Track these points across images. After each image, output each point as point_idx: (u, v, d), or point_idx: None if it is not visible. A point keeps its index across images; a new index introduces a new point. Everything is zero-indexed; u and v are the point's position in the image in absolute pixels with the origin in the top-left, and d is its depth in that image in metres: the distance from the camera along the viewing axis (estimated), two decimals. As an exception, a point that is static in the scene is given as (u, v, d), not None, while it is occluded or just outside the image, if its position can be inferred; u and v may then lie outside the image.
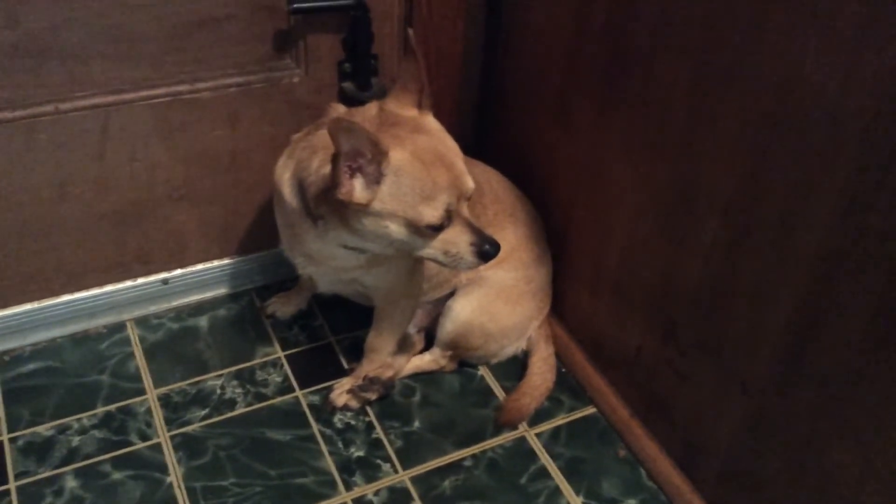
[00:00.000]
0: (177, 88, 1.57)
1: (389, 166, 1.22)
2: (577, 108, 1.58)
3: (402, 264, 1.51)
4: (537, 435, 1.68)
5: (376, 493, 1.55)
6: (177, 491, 1.52)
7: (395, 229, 1.27)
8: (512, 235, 1.68)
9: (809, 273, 1.16)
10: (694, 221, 1.36)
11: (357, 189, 1.23)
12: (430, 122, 1.34)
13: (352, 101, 1.64)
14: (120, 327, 1.82)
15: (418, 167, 1.24)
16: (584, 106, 1.56)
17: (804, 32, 1.07)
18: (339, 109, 1.40)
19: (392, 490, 1.55)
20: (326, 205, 1.30)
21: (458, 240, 1.31)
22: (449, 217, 1.28)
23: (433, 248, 1.31)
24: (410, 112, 1.33)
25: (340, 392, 1.68)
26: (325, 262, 1.46)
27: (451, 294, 1.69)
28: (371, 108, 1.35)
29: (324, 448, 1.61)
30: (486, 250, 1.32)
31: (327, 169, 1.26)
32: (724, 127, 1.24)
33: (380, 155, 1.20)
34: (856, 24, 1.00)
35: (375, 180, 1.23)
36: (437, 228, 1.28)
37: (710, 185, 1.30)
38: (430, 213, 1.25)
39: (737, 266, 1.30)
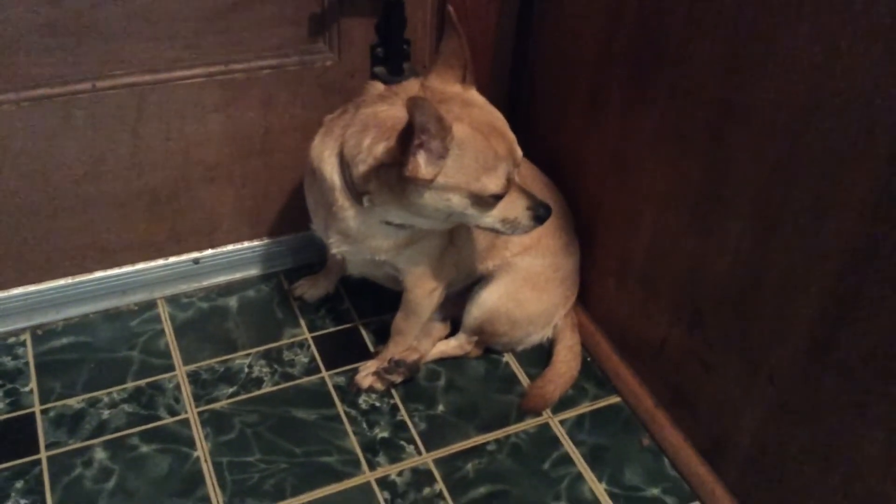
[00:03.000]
0: (211, 69, 1.59)
1: (453, 141, 1.24)
2: (608, 98, 1.58)
3: (433, 245, 1.52)
4: (561, 422, 1.68)
5: (399, 474, 1.56)
6: (203, 465, 1.54)
7: (458, 201, 1.31)
8: (540, 223, 1.68)
9: (838, 265, 1.15)
10: (723, 213, 1.35)
11: (422, 165, 1.25)
12: (476, 96, 1.37)
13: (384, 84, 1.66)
14: (151, 305, 1.85)
15: (480, 139, 1.27)
16: (615, 95, 1.56)
17: (839, 19, 1.06)
18: (378, 87, 1.41)
19: (415, 471, 1.57)
20: (377, 181, 1.32)
21: (515, 205, 1.36)
22: (508, 185, 1.32)
23: (492, 217, 1.35)
24: (454, 88, 1.35)
25: (366, 374, 1.70)
26: (362, 240, 1.47)
27: (478, 281, 1.70)
28: (412, 85, 1.37)
29: (348, 428, 1.63)
30: (542, 213, 1.38)
31: (381, 146, 1.29)
32: (755, 117, 1.23)
33: (444, 131, 1.22)
34: (893, 10, 0.99)
35: (440, 155, 1.25)
36: (498, 197, 1.32)
37: (740, 176, 1.29)
38: (494, 183, 1.30)
39: (765, 258, 1.29)
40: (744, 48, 1.22)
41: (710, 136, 1.34)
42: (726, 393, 1.46)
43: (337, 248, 1.52)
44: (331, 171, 1.39)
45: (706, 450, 1.55)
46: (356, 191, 1.37)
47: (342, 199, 1.40)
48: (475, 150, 1.27)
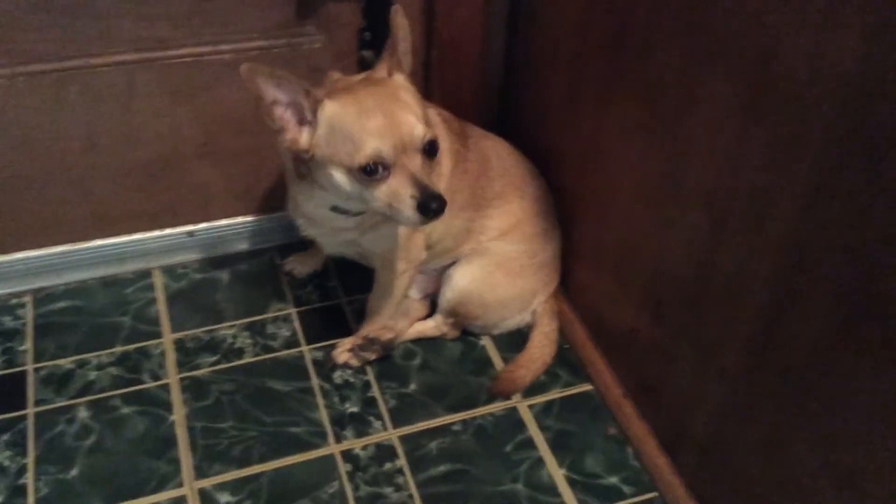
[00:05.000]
0: (200, 50, 1.65)
1: (323, 113, 1.31)
2: (584, 87, 1.59)
3: (396, 230, 1.55)
4: (530, 406, 1.70)
5: (364, 448, 1.61)
6: (178, 429, 1.61)
7: (339, 177, 1.34)
8: (518, 208, 1.70)
9: (777, 263, 1.15)
10: (681, 205, 1.35)
11: (303, 138, 1.33)
12: (395, 80, 1.39)
13: (370, 69, 1.69)
14: (146, 274, 1.93)
15: (350, 113, 1.31)
16: (591, 86, 1.56)
17: (777, 11, 1.05)
18: (335, 76, 1.45)
19: (379, 446, 1.61)
20: (304, 164, 1.38)
21: (399, 191, 1.31)
22: (385, 166, 1.30)
23: (379, 201, 1.33)
24: (381, 73, 1.39)
25: (342, 350, 1.74)
26: (321, 223, 1.52)
27: (454, 263, 1.73)
28: (364, 74, 1.40)
29: (320, 401, 1.68)
30: (428, 205, 1.30)
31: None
32: (707, 112, 1.24)
33: (314, 103, 1.31)
34: (824, 4, 0.98)
35: (315, 128, 1.32)
36: (369, 173, 1.30)
37: (696, 170, 1.30)
38: (360, 157, 1.29)
39: (716, 252, 1.29)
40: (694, 44, 1.22)
41: (669, 130, 1.34)
42: (684, 386, 1.47)
43: (304, 231, 1.57)
44: (285, 154, 1.44)
45: (667, 442, 1.55)
46: (299, 173, 1.43)
47: (294, 182, 1.46)
48: (342, 122, 1.31)
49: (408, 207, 1.31)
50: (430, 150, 1.34)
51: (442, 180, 1.59)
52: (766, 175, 1.14)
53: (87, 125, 1.66)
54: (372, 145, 1.29)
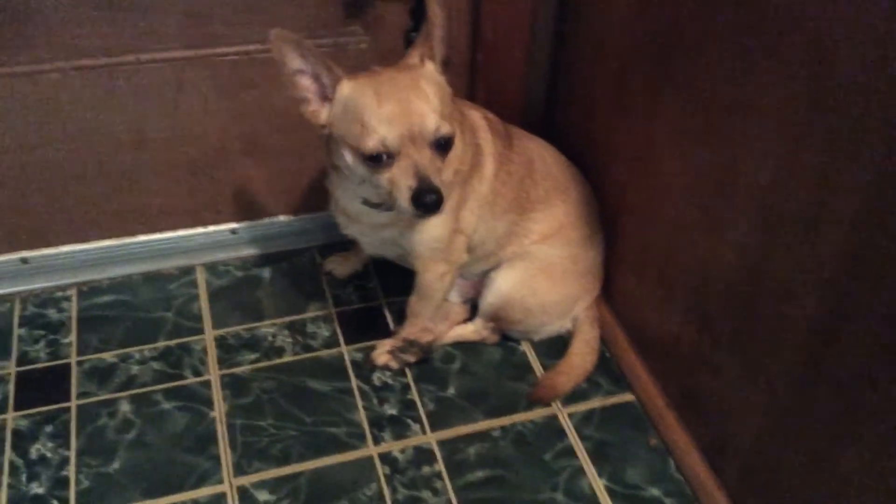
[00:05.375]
0: (248, 47, 1.66)
1: (340, 92, 1.33)
2: (634, 90, 1.56)
3: (436, 228, 1.53)
4: (570, 415, 1.68)
5: (402, 451, 1.59)
6: (218, 425, 1.62)
7: (349, 159, 1.35)
8: (561, 213, 1.68)
9: (832, 272, 1.12)
10: (731, 211, 1.32)
11: (323, 113, 1.35)
12: (422, 69, 1.37)
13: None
14: (190, 270, 1.94)
15: (366, 95, 1.30)
16: (640, 87, 1.54)
17: (838, 10, 1.02)
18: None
19: (418, 449, 1.60)
20: (327, 149, 1.41)
21: (399, 180, 1.30)
22: (389, 154, 1.29)
23: (382, 188, 1.33)
24: (412, 59, 1.38)
25: (382, 351, 1.74)
26: (358, 218, 1.52)
27: (496, 267, 1.71)
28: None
29: (359, 402, 1.68)
30: (424, 199, 1.28)
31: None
32: (762, 114, 1.20)
33: (335, 80, 1.32)
34: (887, 9, 0.95)
35: (332, 105, 1.33)
36: (374, 160, 1.30)
37: (747, 174, 1.26)
38: (366, 142, 1.28)
39: (768, 260, 1.26)
40: (750, 45, 1.19)
41: (721, 133, 1.31)
42: (730, 397, 1.43)
43: (345, 228, 1.57)
44: (324, 147, 1.44)
45: (710, 454, 1.52)
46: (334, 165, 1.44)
47: (331, 175, 1.48)
48: (356, 103, 1.30)
49: (404, 198, 1.29)
50: (442, 145, 1.32)
51: (484, 182, 1.58)
52: (824, 180, 1.10)
53: (135, 121, 1.68)
54: (379, 132, 1.28)
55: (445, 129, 1.31)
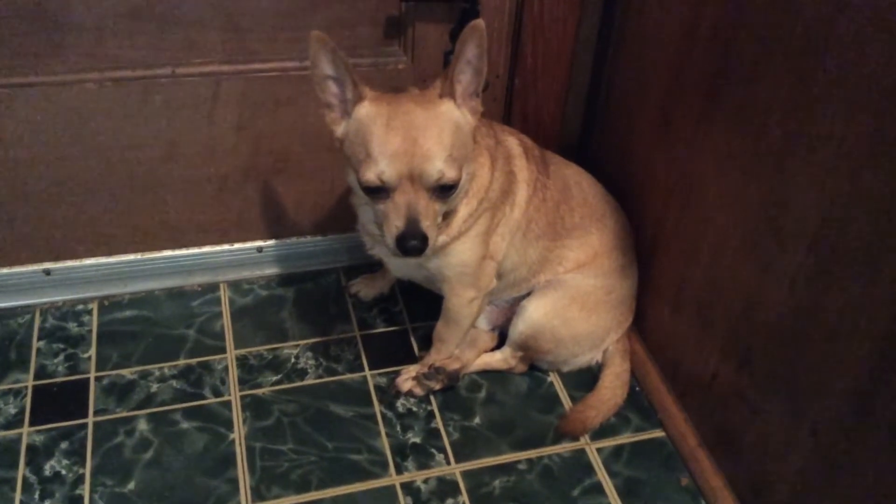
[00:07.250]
0: (286, 64, 1.64)
1: (357, 112, 1.31)
2: (677, 120, 1.53)
3: (465, 252, 1.50)
4: (598, 450, 1.63)
5: (425, 481, 1.55)
6: (237, 448, 1.57)
7: (353, 180, 1.35)
8: (597, 241, 1.65)
9: (890, 312, 1.07)
10: (781, 247, 1.28)
11: (341, 126, 1.34)
12: (441, 105, 1.33)
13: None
14: (213, 288, 1.91)
15: (377, 124, 1.28)
16: (684, 118, 1.51)
17: (908, 50, 0.99)
18: (414, 90, 1.42)
19: (441, 480, 1.55)
20: (345, 170, 1.41)
21: (390, 216, 1.29)
22: (385, 190, 1.27)
23: (377, 220, 1.33)
24: (432, 93, 1.34)
25: (407, 378, 1.70)
26: (381, 239, 1.49)
27: (528, 294, 1.67)
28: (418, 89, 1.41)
29: (382, 429, 1.63)
30: (406, 244, 1.27)
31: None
32: (818, 149, 1.17)
33: (356, 97, 1.31)
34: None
35: (348, 115, 1.33)
36: (371, 192, 1.29)
37: (800, 210, 1.23)
38: (366, 172, 1.27)
39: (819, 298, 1.21)
40: (809, 80, 1.16)
41: (772, 167, 1.28)
42: (769, 438, 1.38)
43: (370, 249, 1.54)
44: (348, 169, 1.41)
45: (745, 496, 1.47)
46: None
47: (355, 197, 1.47)
48: (367, 129, 1.28)
49: (389, 235, 1.29)
50: (441, 191, 1.29)
51: (516, 209, 1.55)
52: (885, 214, 1.07)
53: (167, 134, 1.66)
54: (379, 165, 1.26)
55: (449, 177, 1.28)
